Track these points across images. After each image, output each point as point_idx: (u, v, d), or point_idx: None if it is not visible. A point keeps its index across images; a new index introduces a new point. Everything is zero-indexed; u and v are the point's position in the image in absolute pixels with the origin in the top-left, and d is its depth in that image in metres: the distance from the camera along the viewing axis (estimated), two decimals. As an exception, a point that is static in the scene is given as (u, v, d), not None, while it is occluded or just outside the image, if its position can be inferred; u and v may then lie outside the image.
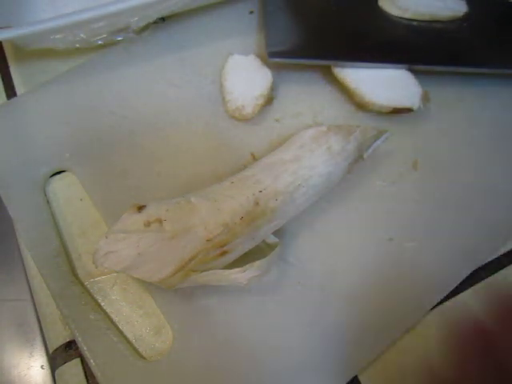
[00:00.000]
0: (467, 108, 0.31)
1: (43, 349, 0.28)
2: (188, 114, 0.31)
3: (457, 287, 0.26)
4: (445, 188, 0.28)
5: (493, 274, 0.26)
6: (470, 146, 0.30)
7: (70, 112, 0.31)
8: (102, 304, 0.25)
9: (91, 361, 0.23)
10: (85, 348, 0.23)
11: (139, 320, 0.25)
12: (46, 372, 0.27)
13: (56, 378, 0.25)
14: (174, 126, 0.30)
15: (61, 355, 0.25)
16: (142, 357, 0.24)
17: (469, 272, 0.26)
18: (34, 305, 0.27)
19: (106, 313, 0.25)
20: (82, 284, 0.26)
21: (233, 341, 0.24)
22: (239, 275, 0.22)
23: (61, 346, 0.25)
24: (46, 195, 0.28)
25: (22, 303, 0.34)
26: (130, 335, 0.25)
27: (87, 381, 0.24)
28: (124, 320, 0.25)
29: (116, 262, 0.22)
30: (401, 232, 0.26)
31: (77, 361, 0.24)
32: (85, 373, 0.24)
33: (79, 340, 0.24)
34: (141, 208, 0.23)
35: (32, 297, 0.27)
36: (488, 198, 0.28)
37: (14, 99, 0.32)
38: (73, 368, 0.24)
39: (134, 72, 0.33)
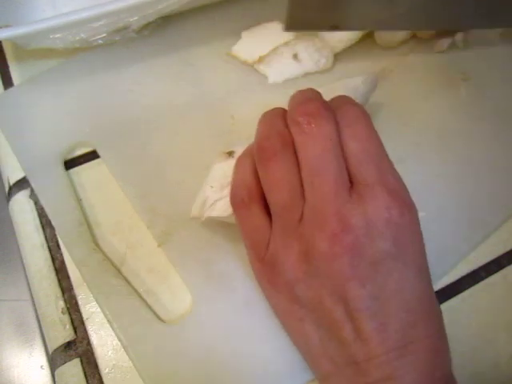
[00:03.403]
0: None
1: (43, 349, 0.28)
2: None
3: (457, 287, 0.26)
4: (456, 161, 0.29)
5: (493, 274, 0.26)
6: (483, 120, 0.30)
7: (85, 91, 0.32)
8: (122, 271, 0.26)
9: (114, 324, 0.24)
10: (107, 312, 0.24)
11: (159, 286, 0.26)
12: (46, 372, 0.28)
13: (56, 378, 0.24)
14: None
15: (60, 355, 0.25)
16: (162, 321, 0.24)
17: (479, 242, 0.26)
18: (34, 305, 0.27)
19: (126, 279, 0.26)
20: (103, 252, 0.26)
21: (252, 305, 0.24)
22: None
23: (60, 346, 0.25)
24: (66, 169, 0.30)
25: (22, 303, 0.34)
26: (149, 300, 0.25)
27: (87, 381, 0.24)
28: (144, 286, 0.26)
29: (224, 208, 0.23)
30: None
31: (76, 361, 0.24)
32: (84, 373, 0.24)
33: (101, 304, 0.24)
34: (230, 153, 0.25)
35: (32, 297, 0.27)
36: (500, 172, 0.29)
37: (28, 80, 0.33)
38: (72, 368, 0.24)
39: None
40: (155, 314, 0.25)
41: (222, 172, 0.25)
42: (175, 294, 0.25)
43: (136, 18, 0.31)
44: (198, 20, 0.35)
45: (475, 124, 0.30)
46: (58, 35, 0.30)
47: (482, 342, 0.24)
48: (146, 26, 0.33)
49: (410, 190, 0.27)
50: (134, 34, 0.33)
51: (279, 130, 0.21)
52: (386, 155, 0.21)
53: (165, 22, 0.34)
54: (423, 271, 0.19)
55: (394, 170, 0.21)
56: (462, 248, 0.26)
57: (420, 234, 0.20)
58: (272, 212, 0.21)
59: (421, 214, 0.27)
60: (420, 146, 0.29)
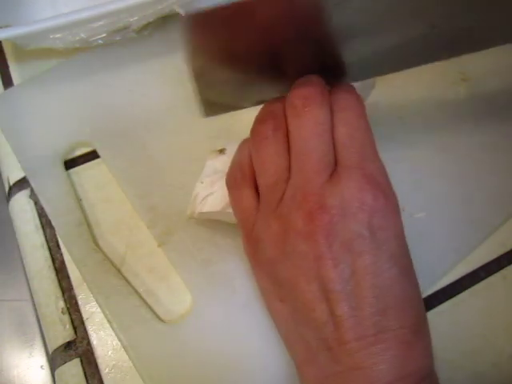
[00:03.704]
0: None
1: (43, 349, 0.28)
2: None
3: (457, 287, 0.26)
4: (456, 161, 0.29)
5: (493, 274, 0.26)
6: (483, 120, 0.30)
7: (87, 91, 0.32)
8: (122, 271, 0.26)
9: (114, 324, 0.24)
10: (107, 312, 0.24)
11: (159, 286, 0.26)
12: (46, 372, 0.28)
13: (55, 378, 0.25)
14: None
15: (60, 355, 0.25)
16: (162, 321, 0.24)
17: (479, 242, 0.26)
18: (34, 305, 0.27)
19: (126, 279, 0.26)
20: (103, 252, 0.26)
21: (252, 304, 0.24)
22: None
23: (60, 346, 0.25)
24: (66, 169, 0.30)
25: (22, 303, 0.34)
26: (149, 300, 0.25)
27: (87, 381, 0.24)
28: (144, 286, 0.26)
29: (215, 203, 0.24)
30: (412, 202, 0.27)
31: (76, 361, 0.24)
32: (84, 373, 0.24)
33: (101, 304, 0.24)
34: (221, 151, 0.25)
35: (32, 297, 0.27)
36: (500, 172, 0.28)
37: (28, 80, 0.33)
38: (72, 368, 0.24)
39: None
40: (155, 314, 0.25)
41: (213, 168, 0.25)
42: (175, 294, 0.25)
43: (136, 18, 0.31)
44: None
45: (475, 124, 0.30)
46: (58, 35, 0.30)
47: (482, 341, 0.24)
48: (146, 26, 0.33)
49: (409, 190, 0.27)
50: (134, 34, 0.33)
51: (275, 113, 0.22)
52: (372, 144, 0.21)
53: (165, 21, 0.34)
54: (397, 258, 0.19)
55: (377, 159, 0.21)
56: (461, 248, 0.26)
57: (397, 221, 0.20)
58: (260, 193, 0.22)
59: (420, 214, 0.27)
60: (419, 145, 0.29)
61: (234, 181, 0.23)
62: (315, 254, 0.19)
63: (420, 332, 0.19)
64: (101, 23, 0.30)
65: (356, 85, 0.26)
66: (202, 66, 0.23)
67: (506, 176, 0.28)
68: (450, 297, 0.25)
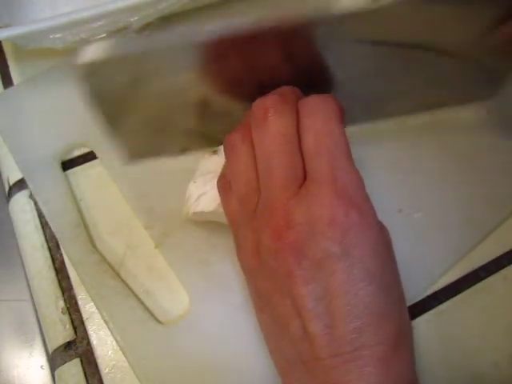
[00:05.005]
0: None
1: (43, 349, 0.28)
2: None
3: (457, 287, 0.26)
4: (455, 161, 0.29)
5: (493, 274, 0.26)
6: (483, 120, 0.30)
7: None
8: (120, 272, 0.26)
9: (110, 325, 0.24)
10: (104, 313, 0.24)
11: (156, 287, 0.26)
12: (46, 372, 0.28)
13: (55, 378, 0.25)
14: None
15: (60, 355, 0.25)
16: (159, 322, 0.24)
17: (478, 242, 0.26)
18: (34, 305, 0.27)
19: (123, 280, 0.26)
20: (101, 253, 0.26)
21: (249, 305, 0.24)
22: None
23: (60, 346, 0.25)
24: (64, 170, 0.29)
25: (22, 303, 0.34)
26: (147, 301, 0.25)
27: (87, 381, 0.24)
28: (141, 287, 0.26)
29: (208, 203, 0.24)
30: (409, 202, 0.27)
31: (76, 361, 0.24)
32: (84, 373, 0.24)
33: (98, 305, 0.24)
34: (214, 151, 0.25)
35: (32, 297, 0.27)
36: (499, 172, 0.28)
37: (26, 80, 0.33)
38: (72, 368, 0.24)
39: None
40: (152, 315, 0.25)
41: (206, 168, 0.25)
42: (173, 295, 0.25)
43: (136, 18, 0.31)
44: (198, 20, 0.35)
45: (475, 123, 0.30)
46: (58, 35, 0.30)
47: (482, 341, 0.24)
48: (146, 26, 0.33)
49: (408, 190, 0.27)
50: (134, 33, 0.33)
51: (245, 122, 0.21)
52: (345, 151, 0.19)
53: (165, 21, 0.34)
54: (375, 275, 0.18)
55: (351, 168, 0.19)
56: (461, 248, 0.26)
57: (374, 235, 0.19)
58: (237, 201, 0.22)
59: (418, 215, 0.27)
60: (419, 145, 0.29)
61: (222, 184, 0.23)
62: (285, 271, 0.18)
63: (400, 347, 0.18)
64: (101, 23, 0.30)
65: None
66: (107, 114, 0.23)
67: (505, 175, 0.28)
68: (450, 297, 0.25)
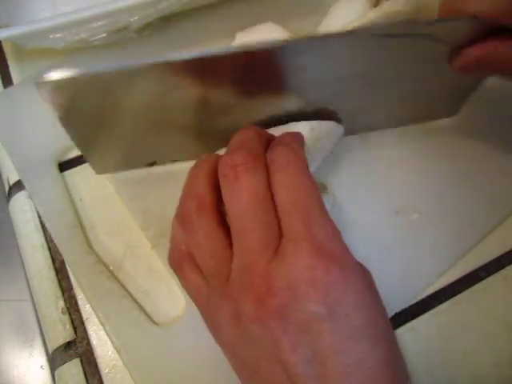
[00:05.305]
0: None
1: (43, 349, 0.28)
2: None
3: (457, 287, 0.26)
4: (455, 161, 0.29)
5: (493, 273, 0.26)
6: (482, 120, 0.30)
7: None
8: (116, 273, 0.26)
9: (107, 326, 0.24)
10: (100, 314, 0.24)
11: (152, 288, 0.26)
12: (46, 372, 0.28)
13: (55, 378, 0.25)
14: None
15: (60, 355, 0.25)
16: (155, 323, 0.24)
17: (477, 242, 0.26)
18: (34, 305, 0.27)
19: (119, 282, 0.26)
20: (97, 254, 0.26)
21: None
22: None
23: (60, 346, 0.25)
24: (60, 171, 0.29)
25: (22, 303, 0.34)
26: (143, 303, 0.25)
27: (87, 381, 0.24)
28: (138, 288, 0.26)
29: None
30: (406, 204, 0.27)
31: (76, 361, 0.24)
32: (84, 373, 0.24)
33: (94, 306, 0.24)
34: None
35: (32, 297, 0.27)
36: (496, 173, 0.28)
37: (25, 80, 0.33)
38: (72, 368, 0.24)
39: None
40: (148, 316, 0.25)
41: None
42: (169, 297, 0.25)
43: (136, 17, 0.31)
44: (197, 20, 0.35)
45: (475, 123, 0.30)
46: (58, 35, 0.30)
47: (482, 341, 0.24)
48: (146, 26, 0.33)
49: (408, 191, 0.27)
50: (134, 34, 0.33)
51: (198, 190, 0.20)
52: (318, 205, 0.19)
53: (165, 21, 0.34)
54: (365, 329, 0.17)
55: (326, 222, 0.19)
56: (461, 248, 0.26)
57: (359, 288, 0.18)
58: (204, 274, 0.20)
59: (415, 216, 0.27)
60: (417, 146, 0.29)
61: (174, 262, 0.22)
62: (271, 339, 0.17)
63: None
64: (101, 23, 0.30)
65: (316, 125, 0.25)
66: (76, 129, 0.23)
67: (505, 175, 0.28)
68: (450, 297, 0.25)
